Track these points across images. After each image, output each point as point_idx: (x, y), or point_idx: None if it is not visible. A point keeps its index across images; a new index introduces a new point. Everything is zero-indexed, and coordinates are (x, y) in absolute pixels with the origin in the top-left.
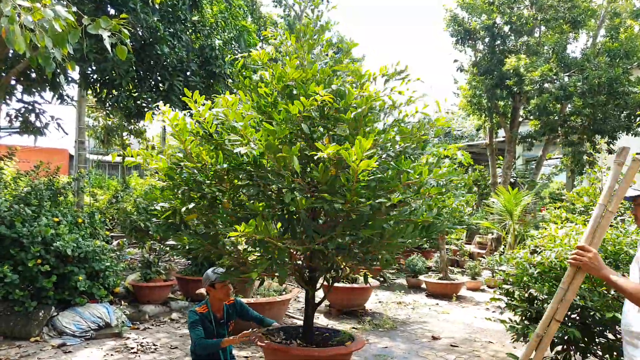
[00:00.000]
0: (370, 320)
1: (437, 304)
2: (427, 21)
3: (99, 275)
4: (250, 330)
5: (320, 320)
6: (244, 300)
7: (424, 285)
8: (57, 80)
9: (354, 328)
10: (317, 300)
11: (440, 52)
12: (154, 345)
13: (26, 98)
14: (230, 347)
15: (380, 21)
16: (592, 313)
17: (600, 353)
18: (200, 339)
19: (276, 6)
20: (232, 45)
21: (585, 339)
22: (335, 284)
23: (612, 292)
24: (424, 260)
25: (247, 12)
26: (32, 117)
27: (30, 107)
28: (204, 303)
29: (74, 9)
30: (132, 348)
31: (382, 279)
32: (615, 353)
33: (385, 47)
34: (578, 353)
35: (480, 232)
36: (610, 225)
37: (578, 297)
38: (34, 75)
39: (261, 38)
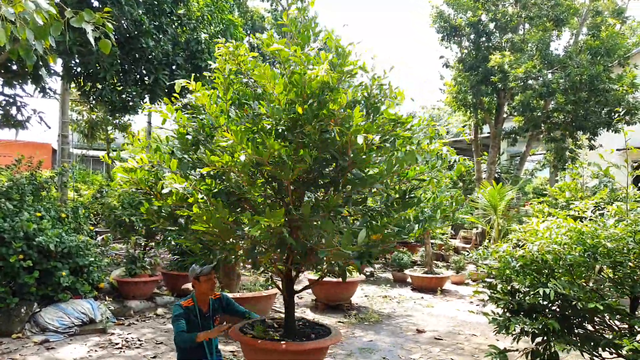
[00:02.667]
0: (356, 314)
1: (422, 297)
2: (407, 7)
3: (83, 271)
4: (225, 323)
5: (306, 314)
6: (230, 295)
7: (409, 280)
8: (39, 73)
9: (339, 322)
10: (300, 296)
11: (421, 40)
12: (139, 340)
13: (7, 91)
14: (216, 342)
15: (361, 7)
16: (573, 303)
17: (579, 343)
18: (180, 332)
19: (263, 0)
20: (219, 39)
21: (565, 330)
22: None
23: (591, 284)
24: (409, 254)
25: (233, 5)
26: (14, 110)
27: (11, 100)
28: (189, 297)
29: (57, 0)
30: (117, 344)
31: (368, 274)
32: (592, 343)
33: (366, 34)
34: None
35: (465, 226)
36: (589, 219)
37: (560, 287)
38: (15, 67)
39: (248, 33)
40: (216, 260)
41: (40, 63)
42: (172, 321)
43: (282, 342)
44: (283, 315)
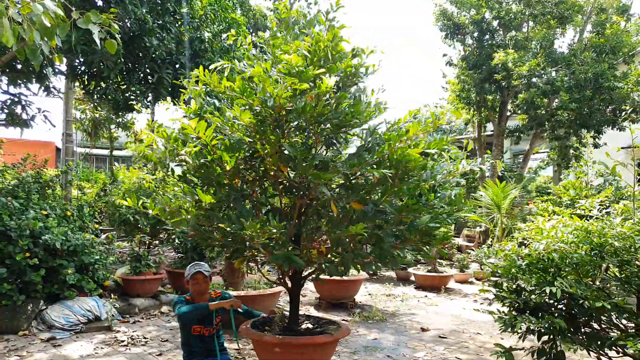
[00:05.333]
0: (359, 312)
1: (426, 296)
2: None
3: (88, 269)
4: (233, 299)
5: (310, 312)
6: (234, 293)
7: (412, 278)
8: (44, 72)
9: (344, 320)
10: (303, 294)
11: (423, 38)
12: (144, 338)
13: (12, 90)
14: (222, 340)
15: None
16: (580, 302)
17: (585, 343)
18: (184, 308)
19: None
20: (222, 38)
21: (571, 329)
22: (324, 277)
23: (598, 283)
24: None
25: (236, 4)
26: (18, 109)
27: (16, 99)
28: (189, 294)
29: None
30: (123, 341)
31: (371, 272)
32: (599, 342)
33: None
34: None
35: (468, 225)
36: (596, 218)
37: (566, 286)
38: (19, 66)
39: (251, 31)
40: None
41: (46, 62)
42: (174, 307)
43: (293, 337)
44: (287, 313)
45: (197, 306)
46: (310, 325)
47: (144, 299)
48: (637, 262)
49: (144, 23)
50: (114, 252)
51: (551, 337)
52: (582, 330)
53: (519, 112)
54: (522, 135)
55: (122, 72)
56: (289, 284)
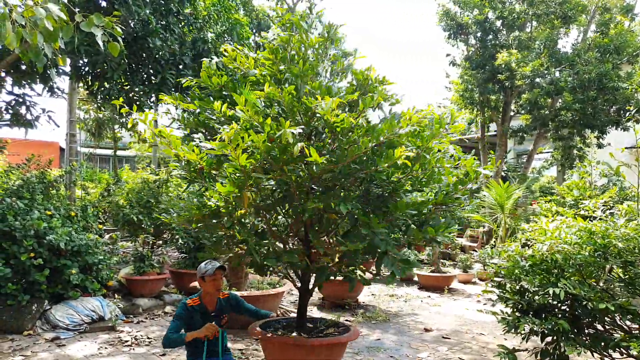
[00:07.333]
0: (363, 312)
1: (429, 296)
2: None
3: (92, 269)
4: (212, 323)
5: (313, 313)
6: (238, 294)
7: (416, 278)
8: (48, 73)
9: (347, 320)
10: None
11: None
12: (148, 338)
13: (16, 90)
14: (225, 340)
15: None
16: (584, 303)
17: (589, 344)
18: (167, 335)
19: None
20: (225, 39)
21: (575, 330)
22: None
23: (601, 284)
24: (416, 253)
25: (239, 4)
26: (23, 110)
27: (20, 100)
28: (196, 295)
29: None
30: (126, 341)
31: (374, 272)
32: (602, 343)
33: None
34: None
35: (471, 225)
36: (600, 219)
37: (570, 287)
38: (24, 67)
39: (254, 32)
40: (224, 261)
41: (49, 63)
42: (172, 319)
43: (304, 338)
44: (290, 314)
45: (176, 338)
46: (318, 326)
47: (147, 299)
48: None
49: (147, 24)
50: (118, 252)
51: (554, 338)
52: (586, 331)
53: (523, 112)
54: (525, 135)
55: (126, 72)
56: (299, 284)
